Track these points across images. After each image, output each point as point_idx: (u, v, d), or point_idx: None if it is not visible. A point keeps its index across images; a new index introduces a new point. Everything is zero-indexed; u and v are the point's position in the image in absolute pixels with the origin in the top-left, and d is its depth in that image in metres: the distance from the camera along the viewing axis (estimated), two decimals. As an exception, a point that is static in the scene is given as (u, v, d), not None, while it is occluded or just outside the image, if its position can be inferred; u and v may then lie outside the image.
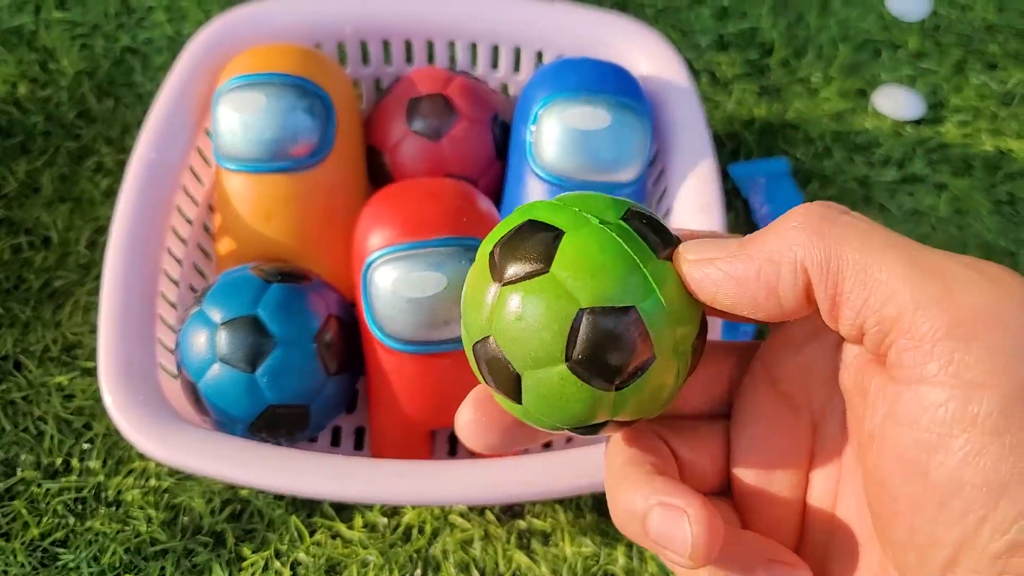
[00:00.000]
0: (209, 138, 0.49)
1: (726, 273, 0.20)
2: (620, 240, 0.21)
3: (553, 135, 0.44)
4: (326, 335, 0.41)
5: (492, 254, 0.22)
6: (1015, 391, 0.17)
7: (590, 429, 0.22)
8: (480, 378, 0.23)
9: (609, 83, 0.45)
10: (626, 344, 0.20)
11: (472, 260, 0.38)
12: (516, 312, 0.21)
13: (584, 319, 0.20)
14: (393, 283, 0.39)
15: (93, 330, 0.51)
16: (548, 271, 0.21)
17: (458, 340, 0.40)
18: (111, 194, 0.56)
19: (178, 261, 0.47)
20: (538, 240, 0.21)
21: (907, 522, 0.18)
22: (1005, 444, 0.16)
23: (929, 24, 0.63)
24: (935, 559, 0.18)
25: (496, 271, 0.21)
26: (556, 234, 0.21)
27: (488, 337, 0.21)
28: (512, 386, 0.22)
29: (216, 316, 0.40)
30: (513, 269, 0.21)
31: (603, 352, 0.20)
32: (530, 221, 0.22)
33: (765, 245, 0.20)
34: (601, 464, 0.38)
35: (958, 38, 0.62)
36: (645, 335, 0.20)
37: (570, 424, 0.22)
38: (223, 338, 0.40)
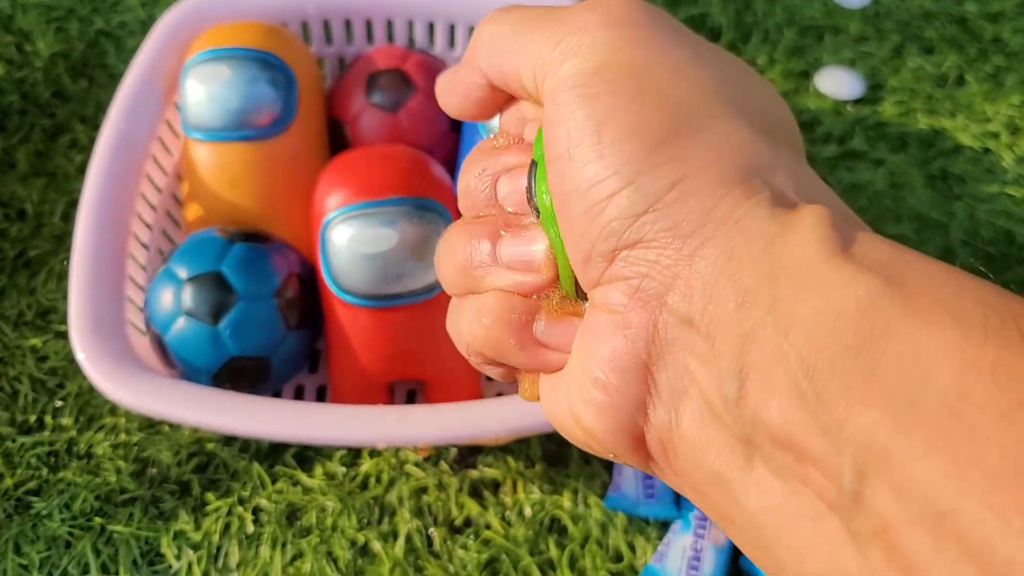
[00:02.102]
0: (178, 111, 0.51)
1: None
2: None
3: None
4: (287, 291, 0.44)
5: None
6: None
7: None
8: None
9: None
10: None
11: (423, 219, 0.41)
12: None
13: None
14: (349, 240, 0.42)
15: (66, 296, 0.53)
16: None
17: (411, 294, 0.42)
18: (84, 169, 0.58)
19: (148, 226, 0.49)
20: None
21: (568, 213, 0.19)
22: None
23: (870, 10, 0.66)
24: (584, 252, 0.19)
25: None
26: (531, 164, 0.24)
27: None
28: None
29: (182, 273, 0.43)
30: None
31: None
32: None
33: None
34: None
35: (897, 24, 0.66)
36: None
37: None
38: (188, 293, 0.42)
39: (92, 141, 0.59)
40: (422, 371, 0.46)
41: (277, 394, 0.50)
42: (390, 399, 0.48)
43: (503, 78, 0.23)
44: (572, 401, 0.20)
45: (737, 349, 0.16)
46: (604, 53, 0.20)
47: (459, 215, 0.27)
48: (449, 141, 0.51)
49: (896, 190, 0.59)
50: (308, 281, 0.46)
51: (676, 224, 0.18)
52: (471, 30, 0.54)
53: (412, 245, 0.42)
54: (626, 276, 0.18)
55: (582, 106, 0.19)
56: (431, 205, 0.43)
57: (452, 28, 0.54)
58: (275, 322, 0.43)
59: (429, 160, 0.46)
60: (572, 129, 0.19)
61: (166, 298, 0.43)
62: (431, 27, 0.54)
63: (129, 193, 0.48)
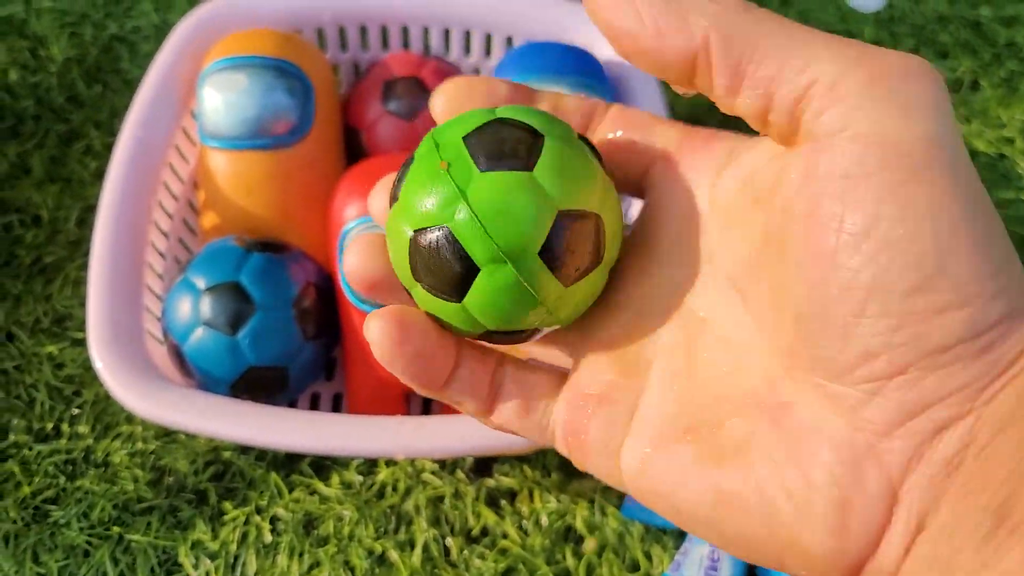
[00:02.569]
0: (194, 119, 0.51)
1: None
2: (588, 152, 0.23)
3: None
4: (304, 301, 0.44)
5: (465, 141, 0.22)
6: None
7: (517, 335, 0.24)
8: (406, 272, 0.23)
9: (570, 65, 0.47)
10: (588, 246, 0.22)
11: None
12: (499, 203, 0.21)
13: (559, 219, 0.21)
14: None
15: (82, 303, 0.54)
16: (532, 170, 0.22)
17: None
18: (100, 175, 0.59)
19: (164, 234, 0.49)
20: (520, 139, 0.22)
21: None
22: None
23: (884, 15, 0.66)
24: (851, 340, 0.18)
25: (474, 159, 0.22)
26: (537, 136, 0.22)
27: (442, 227, 0.22)
28: (459, 281, 0.22)
29: (200, 283, 0.43)
30: (493, 161, 0.22)
31: (570, 250, 0.22)
32: (500, 120, 0.23)
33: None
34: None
35: (912, 28, 0.65)
36: (601, 241, 0.22)
37: (505, 323, 0.23)
38: (207, 303, 0.42)
39: (107, 147, 0.60)
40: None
41: (292, 403, 0.50)
42: (406, 409, 0.48)
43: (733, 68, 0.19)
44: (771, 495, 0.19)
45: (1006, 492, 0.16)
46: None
47: None
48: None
49: (911, 196, 0.59)
50: (325, 290, 0.46)
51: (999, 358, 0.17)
52: (487, 37, 0.54)
53: None
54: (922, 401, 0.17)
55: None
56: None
57: (468, 35, 0.54)
58: (293, 332, 0.43)
59: None
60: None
61: (184, 308, 0.43)
62: (447, 33, 0.54)
63: (146, 201, 0.48)
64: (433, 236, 0.22)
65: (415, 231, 0.22)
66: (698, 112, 0.62)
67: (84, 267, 0.55)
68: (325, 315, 0.45)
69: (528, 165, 0.22)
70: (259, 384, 0.43)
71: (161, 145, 0.49)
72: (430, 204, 0.22)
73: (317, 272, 0.46)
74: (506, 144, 0.22)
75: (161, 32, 0.65)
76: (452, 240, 0.21)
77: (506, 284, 0.22)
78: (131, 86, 0.63)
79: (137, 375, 0.42)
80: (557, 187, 0.22)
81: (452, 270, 0.22)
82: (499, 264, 0.21)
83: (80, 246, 0.56)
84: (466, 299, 0.22)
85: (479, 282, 0.22)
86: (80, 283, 0.54)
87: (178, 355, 0.43)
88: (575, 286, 0.22)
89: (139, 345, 0.44)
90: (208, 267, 0.43)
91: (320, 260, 0.47)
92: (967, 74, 0.63)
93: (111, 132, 0.61)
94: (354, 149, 0.51)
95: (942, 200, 0.17)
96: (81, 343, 0.52)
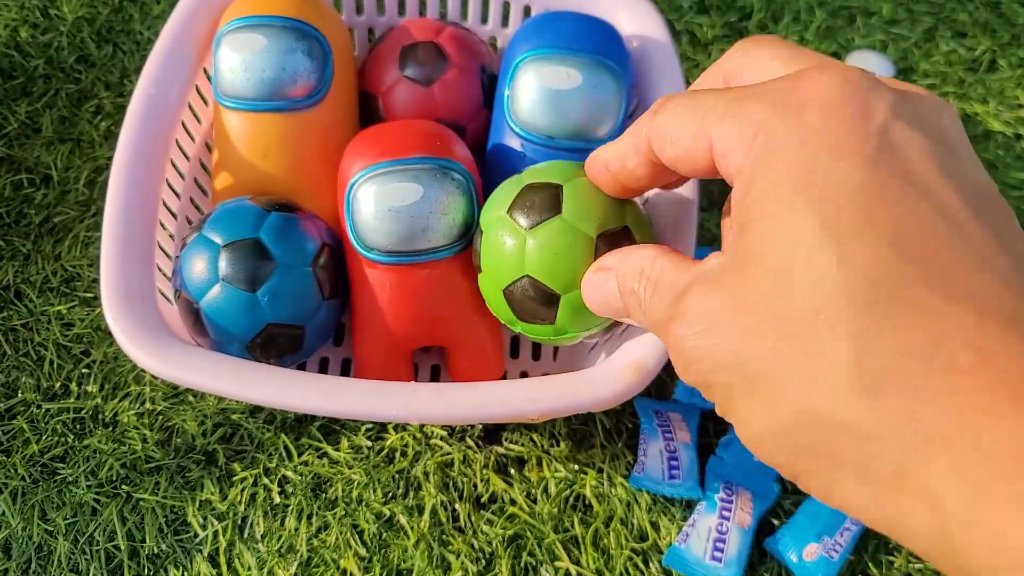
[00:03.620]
0: (208, 78, 0.51)
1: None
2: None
3: (528, 93, 0.46)
4: (321, 260, 0.43)
5: (509, 213, 0.36)
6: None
7: (604, 331, 0.38)
8: (509, 317, 0.38)
9: (586, 40, 0.46)
10: None
11: (446, 177, 0.42)
12: (547, 248, 0.35)
13: (598, 241, 0.34)
14: (374, 196, 0.42)
15: (92, 264, 0.53)
16: (561, 213, 0.35)
17: (435, 250, 0.42)
18: (110, 136, 0.58)
19: (176, 194, 0.49)
20: (545, 195, 0.36)
21: None
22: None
23: (903, -7, 0.66)
24: None
25: (519, 223, 0.36)
26: (557, 188, 0.35)
27: (523, 278, 0.36)
28: (550, 308, 0.36)
29: (218, 239, 0.42)
30: (532, 219, 0.35)
31: None
32: (528, 185, 0.36)
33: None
34: (573, 389, 0.41)
35: (930, 6, 0.65)
36: (635, 242, 0.34)
37: (587, 328, 0.37)
38: (225, 259, 0.42)
39: (117, 108, 0.59)
40: (446, 335, 0.46)
41: (302, 366, 0.49)
42: (413, 370, 0.48)
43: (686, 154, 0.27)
44: None
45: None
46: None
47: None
48: (482, 116, 0.51)
49: (925, 176, 0.58)
50: (338, 252, 0.46)
51: None
52: (504, 5, 0.54)
53: (436, 199, 0.42)
54: None
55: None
56: (455, 167, 0.43)
57: (485, 2, 0.54)
58: (311, 292, 0.43)
59: (451, 134, 0.45)
60: None
61: (200, 265, 0.42)
62: (464, 1, 0.54)
63: (159, 160, 0.47)
64: (519, 286, 0.36)
65: (504, 289, 0.37)
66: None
67: (94, 228, 0.55)
68: (338, 276, 0.45)
69: (557, 212, 0.35)
70: (275, 342, 0.43)
71: (175, 103, 0.48)
72: (506, 267, 0.36)
73: (330, 233, 0.46)
74: (535, 203, 0.36)
75: (173, -7, 0.64)
76: (534, 281, 0.35)
77: (580, 302, 0.35)
78: (141, 47, 0.62)
79: (149, 334, 0.42)
80: (585, 219, 0.35)
81: (541, 302, 0.36)
82: (570, 289, 0.35)
83: (89, 207, 0.56)
84: (557, 319, 0.36)
85: (562, 304, 0.35)
86: (89, 244, 0.54)
87: (193, 312, 0.43)
88: None
89: (151, 304, 0.44)
90: (226, 224, 0.43)
91: (332, 224, 0.47)
92: (985, 54, 0.63)
93: (121, 93, 0.60)
94: (370, 115, 0.51)
95: None
96: (90, 303, 0.52)
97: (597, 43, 0.47)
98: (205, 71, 0.51)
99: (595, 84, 0.45)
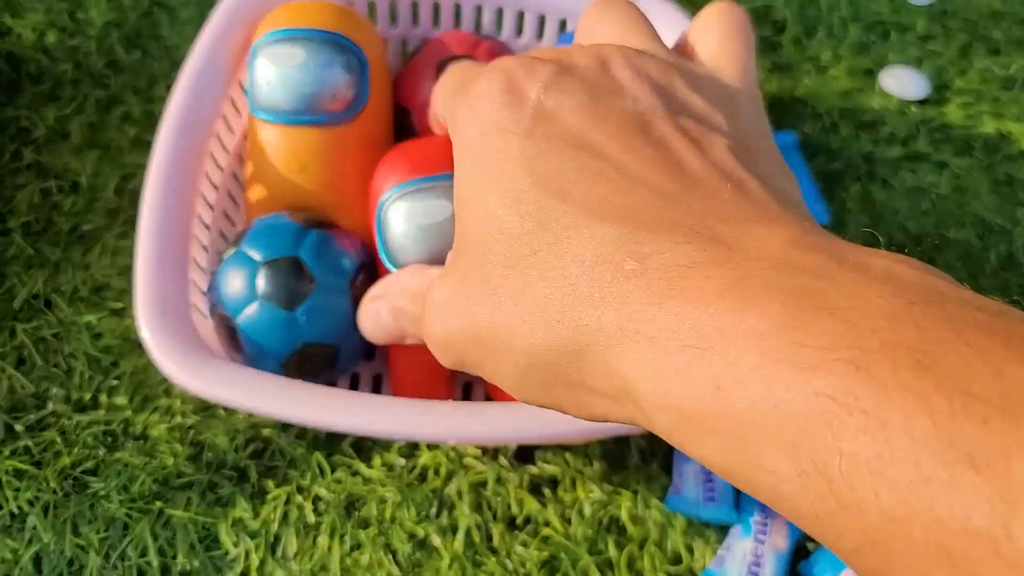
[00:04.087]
0: (243, 90, 0.50)
1: None
2: None
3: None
4: (358, 280, 0.43)
5: None
6: None
7: None
8: None
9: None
10: None
11: None
12: None
13: None
14: (405, 214, 0.42)
15: (121, 272, 0.53)
16: None
17: None
18: (139, 143, 0.58)
19: (210, 206, 0.48)
20: None
21: None
22: None
23: (937, 8, 0.65)
24: None
25: None
26: None
27: None
28: None
29: (256, 255, 0.42)
30: None
31: None
32: None
33: None
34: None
35: (964, 23, 0.64)
36: None
37: None
38: (264, 277, 0.41)
39: (145, 114, 0.59)
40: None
41: (332, 383, 0.49)
42: (450, 390, 0.47)
43: None
44: None
45: None
46: None
47: None
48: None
49: (960, 194, 0.58)
50: (373, 270, 0.45)
51: None
52: (540, 18, 0.53)
53: None
54: None
55: None
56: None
57: (521, 15, 0.53)
58: (347, 311, 0.43)
59: None
60: None
61: (237, 281, 0.42)
62: (500, 13, 0.53)
63: (194, 173, 0.47)
64: None
65: None
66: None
67: (123, 236, 0.54)
68: (375, 295, 0.45)
69: None
70: (311, 361, 0.43)
71: (210, 115, 0.48)
72: None
73: (366, 251, 0.45)
74: None
75: (202, 0, 0.64)
76: None
77: None
78: (170, 53, 0.62)
79: (184, 348, 0.42)
80: None
81: None
82: None
83: (118, 215, 0.55)
84: None
85: None
86: (118, 252, 0.54)
87: (229, 328, 0.43)
88: None
89: (185, 318, 0.44)
90: (265, 241, 0.42)
91: (367, 240, 0.47)
92: (1020, 72, 0.62)
93: (149, 99, 0.60)
94: (404, 129, 0.51)
95: None
96: (119, 313, 0.52)
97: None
98: (240, 83, 0.50)
99: None
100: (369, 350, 0.50)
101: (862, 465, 0.16)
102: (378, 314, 0.33)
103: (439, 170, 0.42)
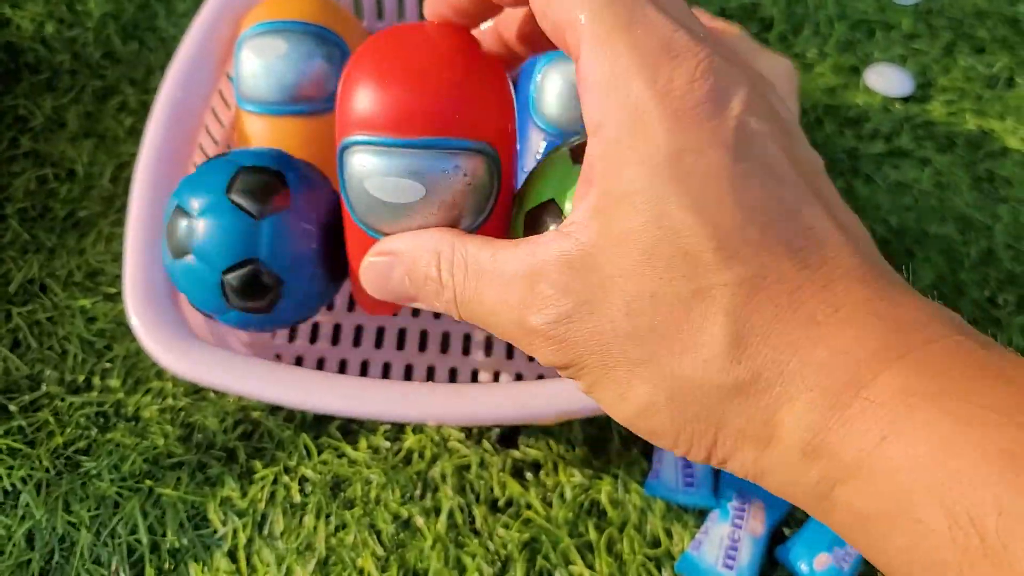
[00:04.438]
0: (231, 81, 0.51)
1: None
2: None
3: (555, 90, 0.47)
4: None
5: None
6: None
7: None
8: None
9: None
10: None
11: (457, 165, 0.31)
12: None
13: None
14: (365, 180, 0.32)
15: (115, 259, 0.54)
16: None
17: None
18: (134, 132, 0.59)
19: (202, 194, 0.49)
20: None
21: None
22: None
23: (923, 7, 0.66)
24: None
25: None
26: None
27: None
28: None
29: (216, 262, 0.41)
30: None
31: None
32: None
33: None
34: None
35: (949, 21, 0.65)
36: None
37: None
38: (229, 288, 0.41)
39: (141, 104, 0.60)
40: None
41: (320, 365, 0.50)
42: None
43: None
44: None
45: None
46: None
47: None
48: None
49: (941, 190, 0.59)
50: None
51: None
52: (528, 11, 0.54)
53: (438, 196, 0.31)
54: None
55: None
56: (473, 146, 0.30)
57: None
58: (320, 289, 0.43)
59: (499, 78, 0.32)
60: None
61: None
62: (488, 6, 0.54)
63: (183, 162, 0.48)
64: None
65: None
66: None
67: (117, 223, 0.55)
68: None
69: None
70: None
71: (198, 106, 0.49)
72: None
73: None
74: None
75: (198, -8, 0.65)
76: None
77: None
78: (167, 44, 0.63)
79: (173, 334, 0.43)
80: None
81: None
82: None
83: (113, 202, 0.56)
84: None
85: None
86: (113, 239, 0.55)
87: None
88: None
89: (174, 303, 0.45)
90: (219, 245, 0.39)
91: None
92: (1003, 70, 0.63)
93: (146, 90, 0.61)
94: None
95: None
96: (113, 298, 0.53)
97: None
98: (228, 74, 0.51)
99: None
100: (356, 335, 0.51)
101: (1020, 523, 0.17)
102: (389, 272, 0.30)
103: (416, 132, 0.30)
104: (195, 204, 0.38)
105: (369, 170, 0.32)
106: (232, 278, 0.39)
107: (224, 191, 0.38)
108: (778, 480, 0.22)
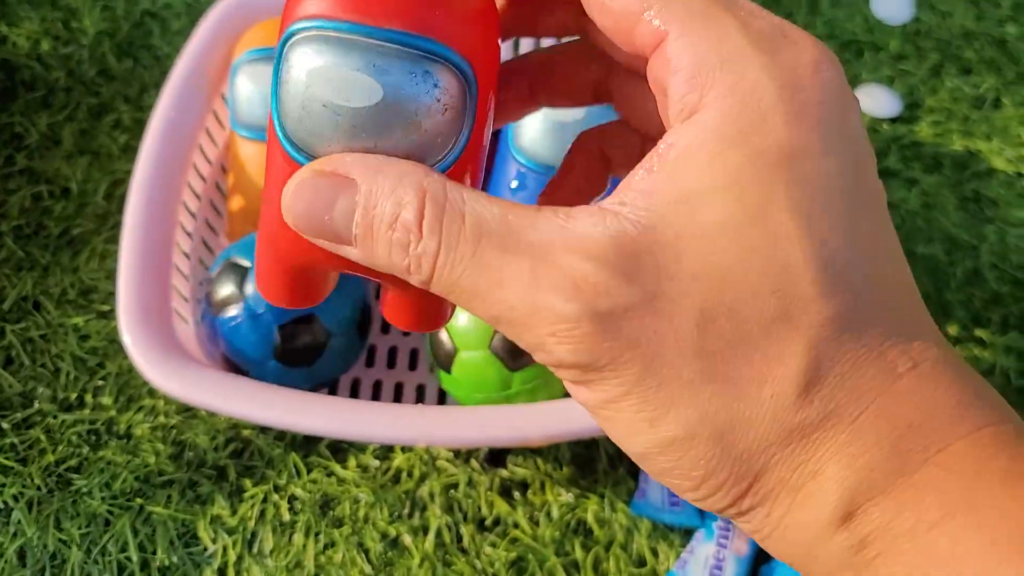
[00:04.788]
0: (225, 103, 0.52)
1: None
2: None
3: (532, 124, 0.46)
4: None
5: None
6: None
7: None
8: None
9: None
10: None
11: (427, 72, 0.24)
12: None
13: None
14: (310, 75, 0.24)
15: (108, 276, 0.54)
16: None
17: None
18: (128, 149, 0.59)
19: (192, 215, 0.50)
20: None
21: None
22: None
23: (911, 28, 0.67)
24: None
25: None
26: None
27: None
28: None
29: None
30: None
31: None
32: None
33: None
34: (577, 414, 0.42)
35: (937, 43, 0.66)
36: None
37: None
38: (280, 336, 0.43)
39: (136, 122, 0.60)
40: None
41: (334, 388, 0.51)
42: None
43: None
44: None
45: None
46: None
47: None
48: (487, 149, 0.52)
49: (928, 210, 0.60)
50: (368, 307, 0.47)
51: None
52: (516, 42, 0.54)
53: (397, 107, 0.24)
54: None
55: None
56: (450, 56, 0.24)
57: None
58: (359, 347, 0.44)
59: None
60: None
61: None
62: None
63: (177, 184, 0.49)
64: None
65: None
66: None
67: (111, 240, 0.56)
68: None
69: None
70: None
71: (192, 128, 0.50)
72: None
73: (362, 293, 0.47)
74: None
75: (192, 10, 0.65)
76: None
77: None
78: (161, 62, 0.63)
79: (164, 354, 0.43)
80: None
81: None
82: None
83: (107, 219, 0.57)
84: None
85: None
86: (107, 256, 0.55)
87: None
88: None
89: (167, 326, 0.45)
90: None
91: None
92: (990, 91, 0.64)
93: (140, 107, 0.61)
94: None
95: None
96: (106, 316, 0.53)
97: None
98: (223, 95, 0.52)
99: (600, 117, 0.38)
100: (370, 354, 0.51)
101: None
102: (330, 199, 0.21)
103: (384, 19, 0.24)
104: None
105: (316, 65, 0.24)
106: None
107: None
108: (795, 541, 0.20)
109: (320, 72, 0.24)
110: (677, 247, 0.19)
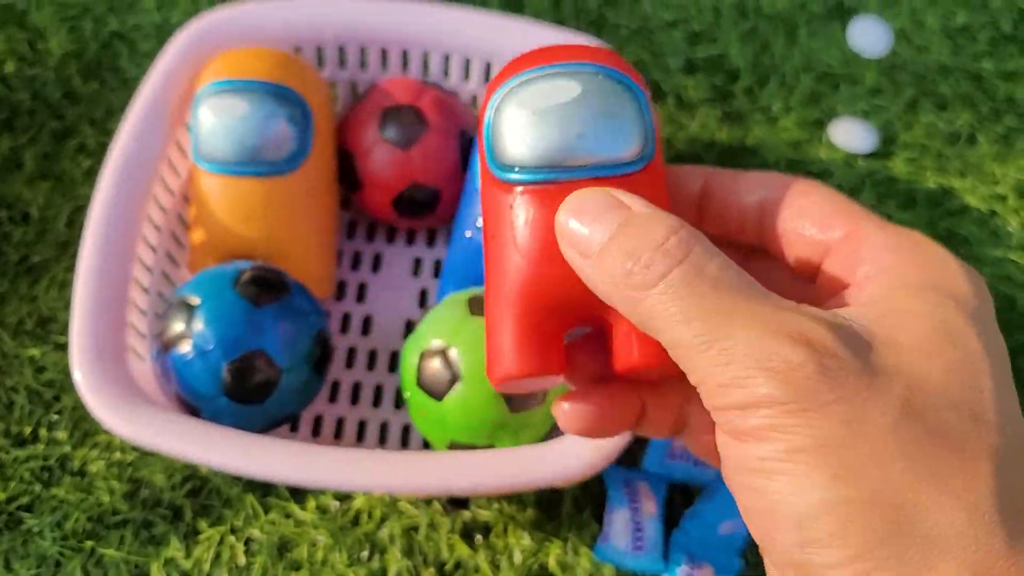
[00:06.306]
0: (188, 132, 0.51)
1: None
2: None
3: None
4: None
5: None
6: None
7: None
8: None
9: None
10: None
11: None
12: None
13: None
14: (518, 103, 0.31)
15: (68, 306, 0.53)
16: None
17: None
18: (92, 174, 0.58)
19: (152, 248, 0.49)
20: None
21: None
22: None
23: (887, 61, 0.66)
24: None
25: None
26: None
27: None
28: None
29: (213, 349, 0.42)
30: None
31: None
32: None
33: None
34: (542, 461, 0.41)
35: (913, 77, 0.66)
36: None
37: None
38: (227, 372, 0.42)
39: (100, 146, 0.59)
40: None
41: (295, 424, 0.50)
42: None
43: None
44: None
45: None
46: None
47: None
48: (458, 181, 0.51)
49: (901, 247, 0.59)
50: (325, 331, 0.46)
51: None
52: (487, 65, 0.54)
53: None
54: None
55: None
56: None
57: (467, 62, 0.54)
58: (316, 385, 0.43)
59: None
60: None
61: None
62: (447, 59, 0.54)
63: (136, 217, 0.48)
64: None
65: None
66: (696, 148, 0.62)
67: (71, 269, 0.55)
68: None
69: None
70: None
71: (153, 160, 0.49)
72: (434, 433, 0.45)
73: (319, 313, 0.46)
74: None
75: (162, 31, 0.64)
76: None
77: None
78: (129, 85, 0.62)
79: (118, 396, 0.42)
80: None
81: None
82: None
83: (68, 247, 0.56)
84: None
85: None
86: (67, 285, 0.54)
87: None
88: None
89: (121, 365, 0.44)
90: (220, 328, 0.43)
91: (313, 288, 0.47)
92: (965, 127, 0.64)
93: (106, 131, 0.60)
94: (346, 173, 0.51)
95: None
96: (63, 347, 0.52)
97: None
98: (186, 124, 0.51)
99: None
100: (333, 389, 0.50)
101: None
102: (606, 217, 0.26)
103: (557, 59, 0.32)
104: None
105: (519, 97, 0.31)
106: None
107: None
108: None
109: (526, 96, 0.32)
110: (891, 347, 0.22)
